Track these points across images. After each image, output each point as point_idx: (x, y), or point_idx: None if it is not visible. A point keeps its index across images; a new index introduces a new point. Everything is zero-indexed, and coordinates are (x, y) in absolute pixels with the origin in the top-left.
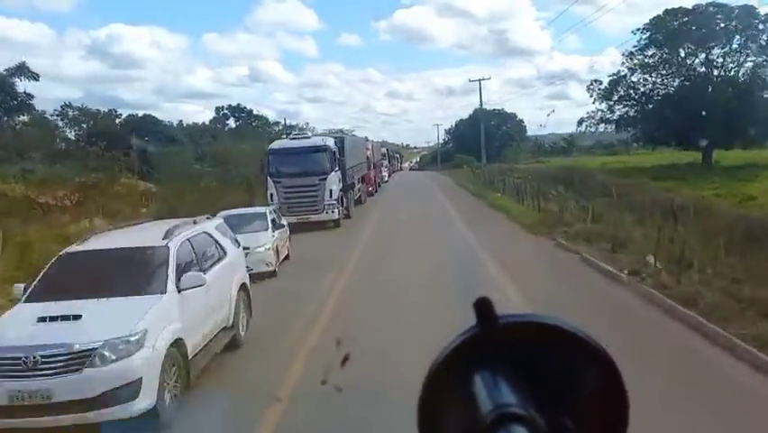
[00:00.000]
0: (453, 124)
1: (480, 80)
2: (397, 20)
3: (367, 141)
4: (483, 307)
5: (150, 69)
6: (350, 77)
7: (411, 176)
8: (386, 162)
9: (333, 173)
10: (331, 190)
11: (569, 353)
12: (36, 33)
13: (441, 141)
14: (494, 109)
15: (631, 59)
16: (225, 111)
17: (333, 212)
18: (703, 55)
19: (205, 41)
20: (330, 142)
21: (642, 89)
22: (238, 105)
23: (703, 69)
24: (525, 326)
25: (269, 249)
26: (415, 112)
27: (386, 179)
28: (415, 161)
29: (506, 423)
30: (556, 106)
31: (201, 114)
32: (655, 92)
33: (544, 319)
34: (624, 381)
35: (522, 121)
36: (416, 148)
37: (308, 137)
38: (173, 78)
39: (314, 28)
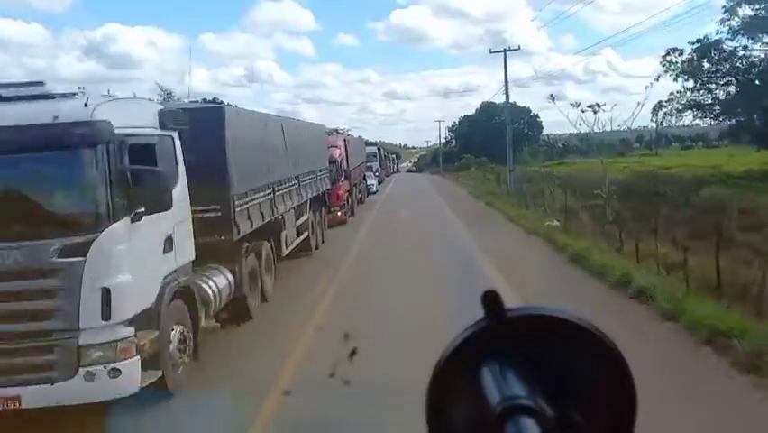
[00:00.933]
0: (457, 121)
1: (504, 51)
2: (393, 20)
3: (335, 133)
4: (491, 300)
5: (146, 69)
6: (347, 77)
7: (409, 181)
8: (375, 166)
9: (120, 225)
10: (106, 291)
11: (577, 345)
12: (32, 33)
13: (443, 139)
14: (501, 103)
15: (731, 16)
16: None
17: (111, 375)
18: None
19: (201, 42)
20: (114, 110)
21: (744, 61)
22: (204, 99)
23: None
24: (533, 318)
25: None
26: (413, 112)
27: (374, 188)
28: (412, 161)
29: (514, 415)
30: (553, 107)
31: None
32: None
33: (552, 312)
34: (632, 374)
35: (537, 116)
36: (414, 148)
37: (30, 95)
38: (170, 78)
39: (310, 28)
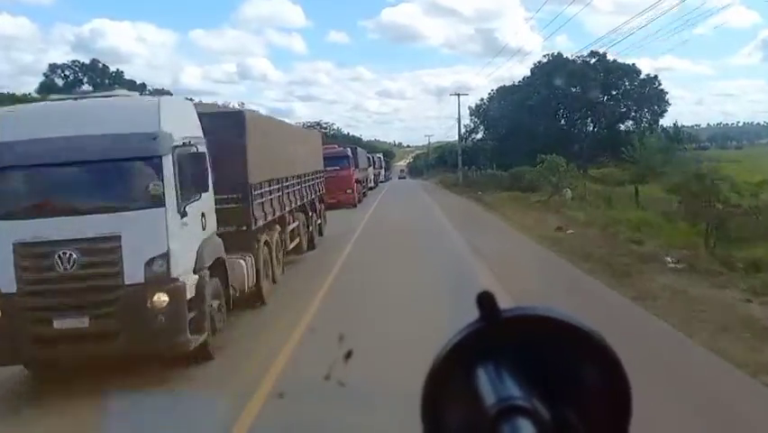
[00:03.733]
0: (485, 99)
1: None
2: (384, 18)
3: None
4: (486, 300)
5: (136, 64)
6: (340, 75)
7: (401, 223)
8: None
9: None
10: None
11: (572, 346)
12: (19, 27)
13: (464, 127)
14: (580, 57)
15: None
16: (68, 71)
17: None
18: None
19: (192, 38)
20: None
21: None
22: (94, 60)
23: None
24: (528, 319)
25: None
26: (407, 111)
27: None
28: (406, 162)
29: (510, 416)
30: None
31: None
32: None
33: (547, 313)
34: (627, 375)
35: (656, 79)
36: (408, 147)
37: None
38: (161, 74)
39: (301, 25)
